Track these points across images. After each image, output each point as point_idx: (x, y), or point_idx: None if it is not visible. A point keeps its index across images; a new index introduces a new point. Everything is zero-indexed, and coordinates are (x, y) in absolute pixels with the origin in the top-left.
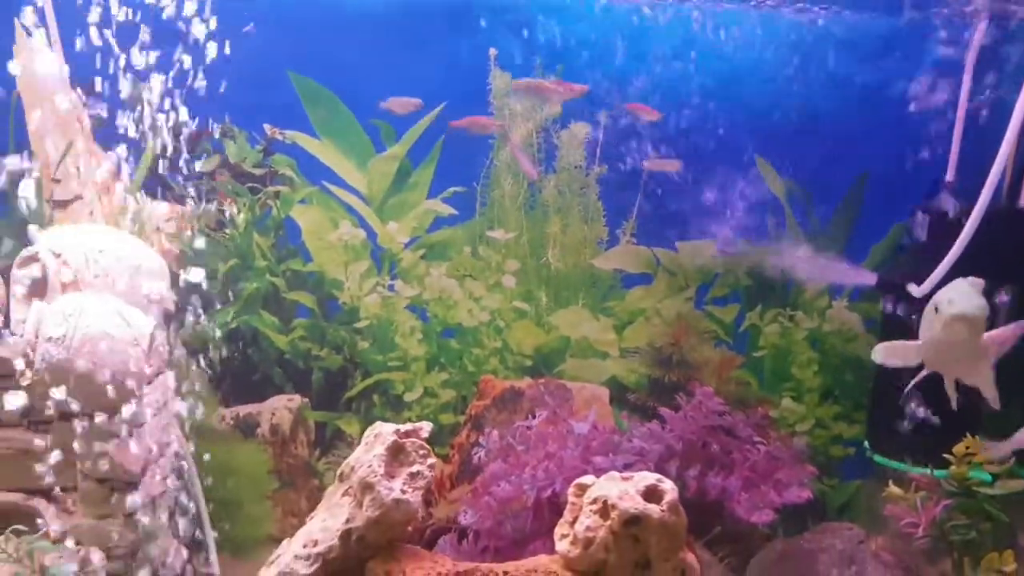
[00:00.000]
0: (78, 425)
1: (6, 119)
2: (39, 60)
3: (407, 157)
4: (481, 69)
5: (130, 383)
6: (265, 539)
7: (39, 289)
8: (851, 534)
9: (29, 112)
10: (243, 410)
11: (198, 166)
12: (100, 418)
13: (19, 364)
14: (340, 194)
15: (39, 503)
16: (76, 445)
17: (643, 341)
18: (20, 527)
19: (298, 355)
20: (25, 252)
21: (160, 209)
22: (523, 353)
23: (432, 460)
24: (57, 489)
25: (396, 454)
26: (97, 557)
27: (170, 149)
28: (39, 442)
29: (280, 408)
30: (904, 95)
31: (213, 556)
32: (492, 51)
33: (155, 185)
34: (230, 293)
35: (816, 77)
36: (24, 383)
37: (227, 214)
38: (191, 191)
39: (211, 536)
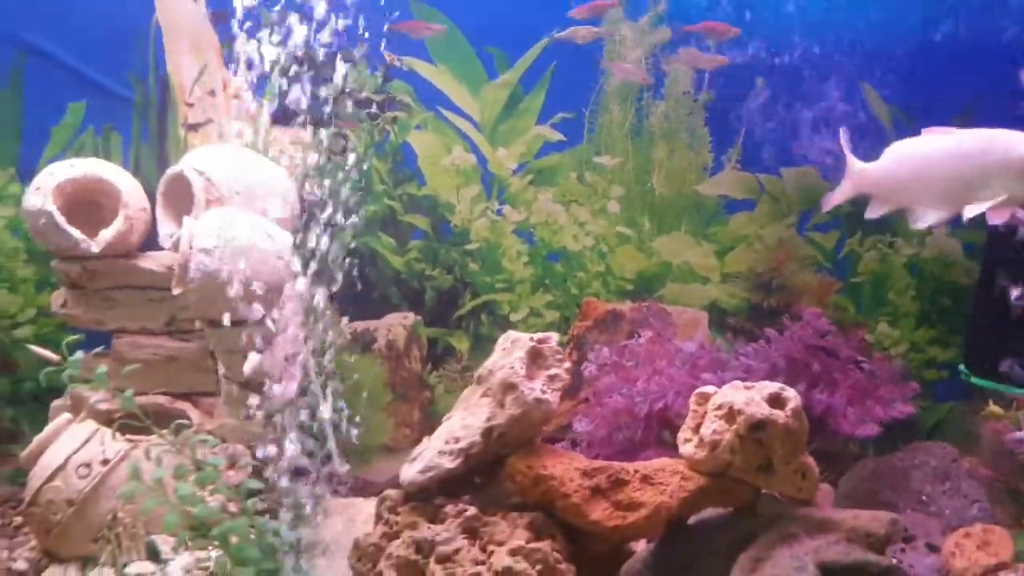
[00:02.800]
0: (225, 332)
1: (147, 46)
2: None
3: (519, 83)
4: None
5: (274, 294)
6: (379, 448)
7: (189, 206)
8: (944, 452)
9: (167, 39)
10: (361, 325)
11: (320, 92)
12: (246, 325)
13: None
14: (454, 120)
15: (184, 405)
16: (222, 350)
17: (744, 266)
18: (183, 422)
19: (412, 275)
20: (171, 171)
21: (284, 133)
22: (625, 277)
23: (568, 364)
24: None
25: (535, 358)
26: (243, 453)
27: (295, 75)
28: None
29: (395, 324)
30: (1018, 18)
31: (337, 458)
32: None
33: (280, 110)
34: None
35: None
36: (176, 292)
37: (347, 139)
38: (313, 116)
39: (334, 440)
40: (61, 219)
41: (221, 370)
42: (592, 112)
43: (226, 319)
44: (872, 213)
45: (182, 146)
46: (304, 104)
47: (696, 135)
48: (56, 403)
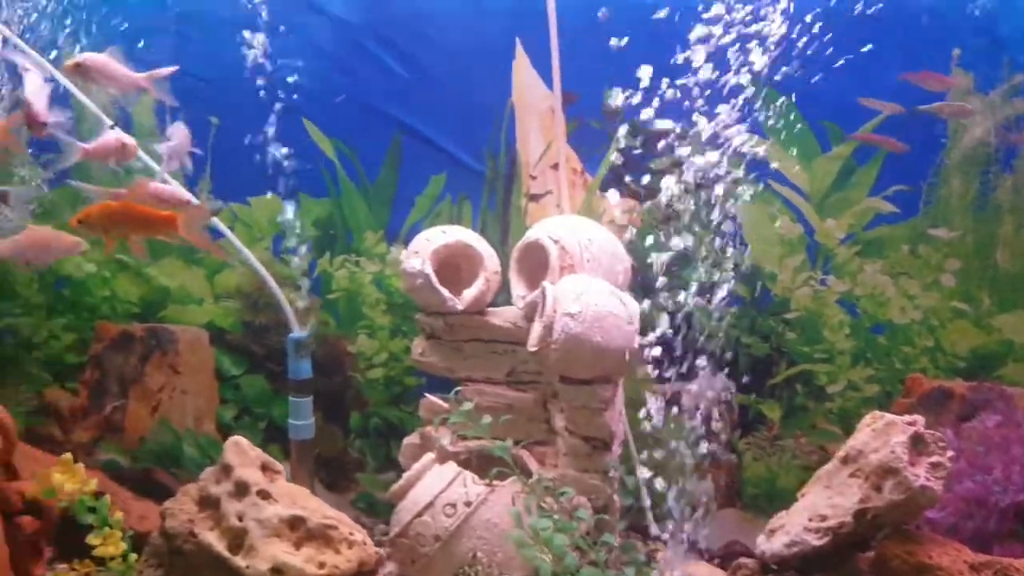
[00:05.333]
0: (577, 389)
1: (501, 125)
2: (529, 72)
3: (852, 156)
4: (941, 69)
5: (626, 357)
6: None
7: (539, 271)
8: None
9: (519, 119)
10: (673, 387)
11: (653, 165)
12: (598, 384)
13: (534, 331)
14: (782, 191)
15: (520, 453)
16: (573, 405)
17: None
18: (544, 473)
19: (727, 341)
20: (526, 238)
21: (615, 203)
22: (957, 354)
23: (952, 453)
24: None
25: (915, 443)
26: (585, 504)
27: (628, 148)
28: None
29: (706, 389)
30: None
31: (649, 514)
32: (955, 51)
33: (613, 181)
34: (673, 280)
35: None
36: (531, 349)
37: (675, 209)
38: (644, 188)
39: (647, 497)
40: (435, 280)
41: (560, 423)
42: (930, 185)
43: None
44: None
45: (523, 215)
46: (635, 176)
47: None
48: (407, 440)
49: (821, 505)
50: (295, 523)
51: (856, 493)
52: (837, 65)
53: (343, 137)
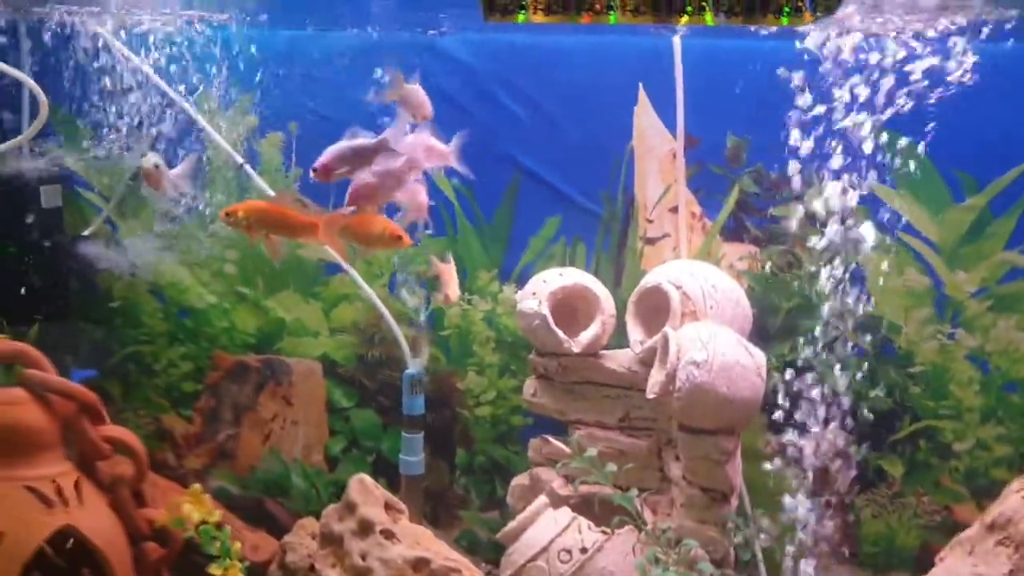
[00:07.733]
0: (699, 439)
1: (620, 168)
2: (650, 117)
3: (987, 207)
4: None
5: (753, 408)
6: None
7: (657, 315)
8: None
9: (639, 162)
10: (787, 438)
11: (775, 211)
12: (720, 435)
13: (654, 378)
14: (910, 241)
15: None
16: (692, 456)
17: None
18: (668, 525)
19: (846, 393)
20: (646, 283)
21: (735, 248)
22: None
23: None
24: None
25: None
26: (703, 557)
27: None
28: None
29: (824, 441)
30: None
31: (761, 567)
32: None
33: (733, 226)
34: (791, 329)
35: None
36: (651, 395)
37: (797, 256)
38: (766, 233)
39: (759, 549)
40: (552, 321)
41: (676, 472)
42: None
43: None
44: None
45: (638, 257)
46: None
47: None
48: (516, 480)
49: (964, 573)
50: (419, 564)
51: (1005, 564)
52: (971, 113)
53: (461, 178)
